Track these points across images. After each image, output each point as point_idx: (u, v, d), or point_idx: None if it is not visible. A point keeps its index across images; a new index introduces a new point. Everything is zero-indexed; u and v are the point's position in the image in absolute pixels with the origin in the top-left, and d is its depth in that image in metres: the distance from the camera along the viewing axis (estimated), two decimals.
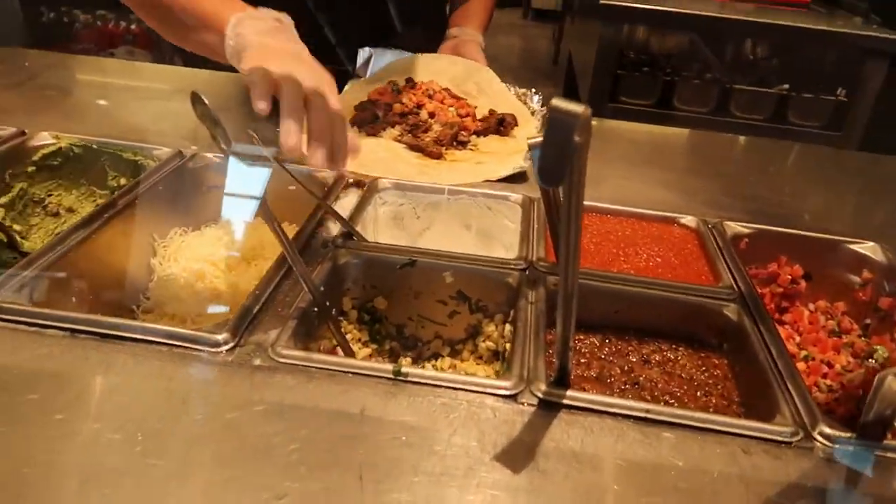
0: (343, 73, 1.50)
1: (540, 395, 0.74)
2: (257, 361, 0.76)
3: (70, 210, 1.25)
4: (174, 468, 0.62)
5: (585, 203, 1.04)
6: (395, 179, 1.20)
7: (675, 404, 0.84)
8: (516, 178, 1.23)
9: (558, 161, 0.55)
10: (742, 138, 1.75)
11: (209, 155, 1.23)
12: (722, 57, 3.12)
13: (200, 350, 0.77)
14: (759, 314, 0.91)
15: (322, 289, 0.90)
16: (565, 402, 0.73)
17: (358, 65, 1.50)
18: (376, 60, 1.54)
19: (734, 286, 0.96)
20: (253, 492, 0.60)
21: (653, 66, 3.11)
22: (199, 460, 0.63)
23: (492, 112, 1.33)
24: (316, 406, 0.71)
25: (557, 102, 0.53)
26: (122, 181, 1.25)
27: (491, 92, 1.48)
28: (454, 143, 1.13)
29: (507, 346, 0.93)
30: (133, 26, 3.23)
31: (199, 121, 0.70)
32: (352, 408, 0.71)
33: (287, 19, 1.09)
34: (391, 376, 0.75)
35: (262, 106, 0.90)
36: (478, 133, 1.21)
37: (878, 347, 0.99)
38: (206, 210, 1.22)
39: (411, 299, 1.00)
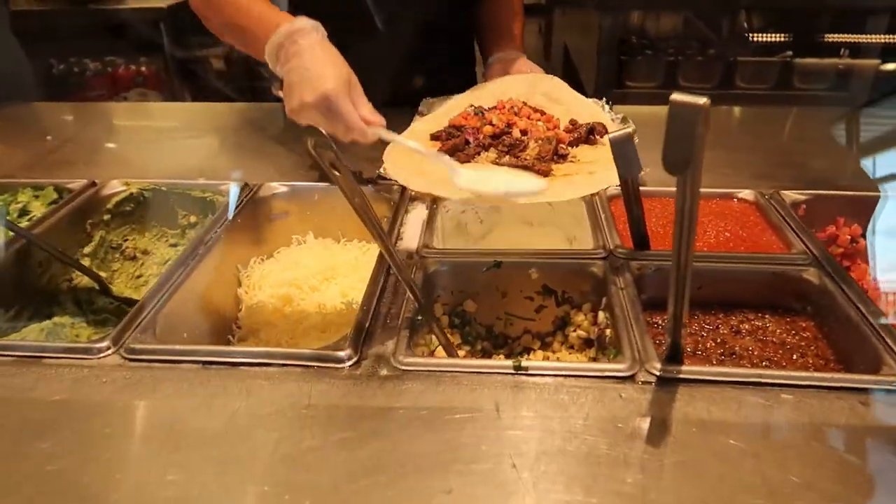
0: None
1: (657, 372, 0.78)
2: (384, 371, 0.80)
3: (146, 252, 1.29)
4: (340, 477, 0.66)
5: (647, 188, 1.08)
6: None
7: (775, 368, 0.88)
8: None
9: (684, 151, 0.59)
10: (763, 110, 1.80)
11: (273, 184, 1.27)
12: (720, 31, 3.17)
13: (327, 367, 0.81)
14: (840, 274, 0.95)
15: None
16: (682, 376, 0.77)
17: (420, 108, 1.50)
18: (435, 106, 1.50)
19: (808, 251, 1.01)
20: (423, 490, 0.64)
21: (654, 48, 3.16)
22: (363, 466, 0.67)
23: (573, 122, 1.29)
24: (452, 407, 0.75)
25: (678, 96, 0.58)
26: (193, 219, 1.30)
27: (563, 99, 1.43)
28: (555, 158, 1.14)
29: (600, 332, 0.97)
30: (143, 68, 3.29)
31: (312, 151, 0.74)
32: (486, 404, 0.75)
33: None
34: (512, 371, 0.79)
35: None
36: (570, 143, 1.19)
37: None
38: (276, 237, 1.27)
39: (499, 299, 1.04)
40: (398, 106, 1.41)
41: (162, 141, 1.62)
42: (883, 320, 0.84)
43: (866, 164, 1.41)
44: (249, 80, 4.14)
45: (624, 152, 0.91)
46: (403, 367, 0.81)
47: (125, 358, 0.83)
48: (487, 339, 1.06)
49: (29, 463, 0.69)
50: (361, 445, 0.70)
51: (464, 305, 1.04)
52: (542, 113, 1.29)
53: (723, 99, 3.07)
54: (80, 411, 0.76)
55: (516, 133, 1.19)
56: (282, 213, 1.27)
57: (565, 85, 1.44)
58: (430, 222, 1.14)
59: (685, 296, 0.73)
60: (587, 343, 1.01)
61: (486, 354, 1.05)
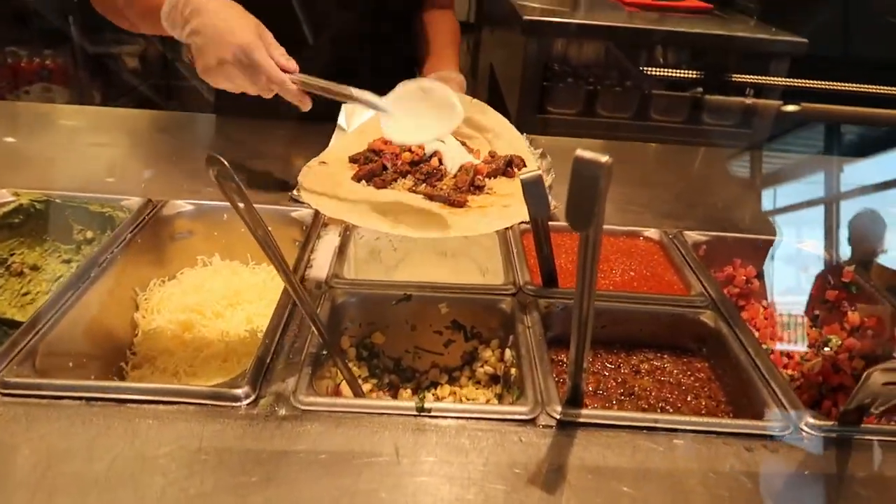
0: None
1: (557, 416, 0.79)
2: (283, 412, 0.78)
3: (35, 268, 1.20)
4: None
5: (558, 224, 1.10)
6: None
7: (671, 409, 0.91)
8: None
9: (586, 208, 0.60)
10: (673, 147, 1.88)
11: (180, 202, 1.22)
12: (637, 64, 3.30)
13: (223, 405, 0.78)
14: (732, 318, 1.00)
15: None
16: (581, 420, 0.79)
17: (340, 120, 1.46)
18: (359, 114, 1.47)
19: (705, 293, 1.05)
20: None
21: (576, 76, 3.25)
22: None
23: (493, 154, 1.29)
24: (351, 451, 0.73)
25: (582, 153, 0.59)
26: (90, 234, 1.22)
27: (488, 126, 1.43)
28: (471, 189, 1.13)
29: (505, 369, 0.98)
30: (48, 62, 3.10)
31: (214, 180, 0.71)
32: (386, 448, 0.73)
33: None
34: (415, 413, 0.78)
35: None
36: (488, 175, 1.20)
37: (832, 337, 1.10)
38: (179, 257, 1.21)
39: (408, 332, 1.03)
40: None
41: (63, 147, 1.52)
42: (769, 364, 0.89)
43: (764, 205, 1.50)
44: (165, 80, 3.99)
45: (534, 193, 0.92)
46: (303, 407, 0.78)
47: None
48: (395, 373, 1.05)
49: None
50: (254, 492, 0.67)
51: (372, 338, 1.03)
52: (463, 143, 1.30)
53: (637, 129, 3.20)
54: None
55: (435, 162, 1.19)
56: (185, 233, 1.22)
57: (491, 110, 1.46)
58: (342, 250, 1.12)
59: (586, 342, 0.74)
60: (493, 379, 1.02)
61: (393, 388, 1.04)
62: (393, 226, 1.01)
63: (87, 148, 1.53)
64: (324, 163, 1.22)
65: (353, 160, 1.24)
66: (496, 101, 4.41)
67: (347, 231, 1.18)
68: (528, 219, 1.16)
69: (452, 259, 1.25)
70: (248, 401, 0.79)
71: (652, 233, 1.24)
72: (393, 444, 0.74)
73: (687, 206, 1.39)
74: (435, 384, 1.05)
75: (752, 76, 3.15)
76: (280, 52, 1.12)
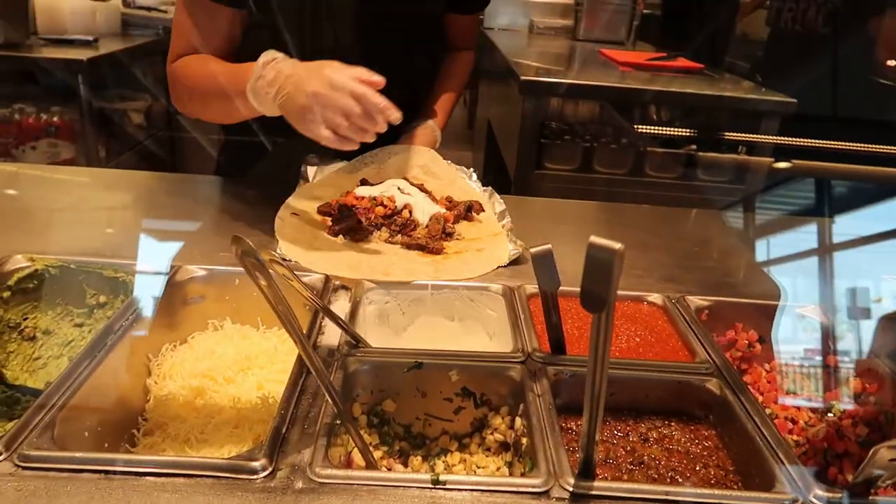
0: None
1: (570, 488, 0.80)
2: (299, 485, 0.79)
3: (46, 332, 1.22)
4: None
5: (563, 289, 1.13)
6: (372, 280, 1.25)
7: (680, 479, 0.92)
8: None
9: (600, 291, 0.63)
10: (672, 210, 1.92)
11: (192, 267, 1.24)
12: (631, 122, 3.39)
13: (240, 479, 0.79)
14: (737, 385, 1.01)
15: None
16: (594, 492, 0.80)
17: (303, 170, 1.51)
18: (320, 168, 1.54)
19: (710, 360, 1.07)
20: None
21: (572, 133, 3.33)
22: None
23: (450, 199, 1.38)
24: None
25: (596, 240, 0.62)
26: (102, 298, 1.24)
27: (439, 172, 1.53)
28: (442, 236, 1.19)
29: (516, 438, 0.99)
30: (55, 118, 3.16)
31: (239, 259, 0.74)
32: None
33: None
34: (430, 485, 0.79)
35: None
36: (454, 221, 1.27)
37: (834, 403, 1.12)
38: (191, 321, 1.23)
39: (418, 399, 1.04)
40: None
41: (72, 210, 1.55)
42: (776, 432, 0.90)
43: (762, 267, 1.53)
44: (169, 132, 4.07)
45: (545, 265, 0.95)
46: (320, 480, 0.79)
47: (18, 466, 0.78)
48: (405, 440, 1.06)
49: None
50: None
51: (383, 405, 1.04)
52: (426, 192, 1.36)
53: (633, 185, 3.26)
54: None
55: (406, 213, 1.24)
56: (197, 297, 1.24)
57: (440, 157, 1.53)
58: (352, 316, 1.14)
59: (598, 416, 0.76)
60: (503, 446, 1.03)
61: (404, 455, 1.05)
62: (385, 275, 1.06)
63: (98, 212, 1.56)
64: (296, 214, 1.27)
65: (322, 212, 1.29)
66: (493, 156, 4.50)
67: (357, 298, 1.20)
68: (504, 262, 1.21)
69: (460, 323, 1.27)
70: (264, 473, 0.80)
71: (655, 297, 1.26)
72: None
73: (686, 270, 1.42)
74: (445, 451, 1.05)
75: (743, 134, 3.24)
76: (362, 71, 1.17)
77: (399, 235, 1.16)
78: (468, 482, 0.80)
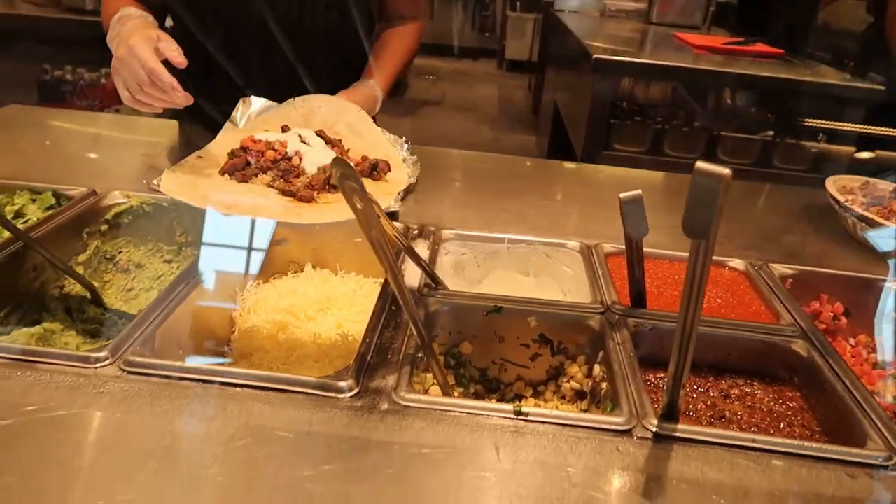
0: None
1: (654, 429, 0.79)
2: (385, 406, 0.81)
3: (139, 266, 1.28)
4: None
5: (645, 249, 1.12)
6: (456, 230, 1.26)
7: (765, 435, 0.90)
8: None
9: (704, 218, 0.62)
10: (751, 185, 1.86)
11: None
12: (705, 105, 3.30)
13: (329, 396, 0.81)
14: (825, 349, 0.99)
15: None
16: (677, 434, 0.79)
17: (234, 113, 1.48)
18: (251, 108, 1.50)
19: (795, 323, 1.04)
20: None
21: (643, 114, 3.27)
22: (364, 500, 0.67)
23: (364, 158, 1.34)
24: (453, 446, 0.75)
25: (703, 165, 0.61)
26: (190, 238, 1.29)
27: (364, 132, 1.47)
28: (327, 187, 1.19)
29: (594, 385, 0.99)
30: None
31: (338, 182, 0.76)
32: (486, 447, 0.75)
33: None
34: (513, 416, 0.80)
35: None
36: None
37: None
38: (274, 262, 1.27)
39: (495, 343, 1.05)
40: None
41: (163, 156, 1.61)
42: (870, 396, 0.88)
43: (849, 245, 1.47)
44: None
45: (633, 212, 0.94)
46: (404, 403, 0.81)
47: (123, 370, 0.82)
48: (480, 383, 1.07)
49: (19, 470, 0.67)
50: (363, 478, 0.70)
51: (460, 347, 1.05)
52: (334, 145, 1.34)
53: None
54: (75, 420, 0.74)
55: (295, 160, 1.24)
56: (282, 240, 1.27)
57: (369, 119, 1.49)
58: (431, 261, 1.16)
59: (688, 358, 0.75)
60: (579, 395, 1.03)
61: (479, 397, 1.06)
62: (227, 210, 1.08)
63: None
64: (200, 157, 1.29)
65: (231, 154, 1.31)
66: (560, 139, 4.44)
67: (436, 245, 1.22)
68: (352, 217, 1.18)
69: (535, 278, 1.27)
70: (351, 393, 0.82)
71: (737, 263, 1.24)
72: (493, 443, 0.76)
73: (769, 240, 1.38)
74: (520, 396, 1.06)
75: (824, 121, 3.12)
76: (168, 46, 1.22)
77: (281, 181, 1.18)
78: (550, 415, 0.81)
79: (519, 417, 0.80)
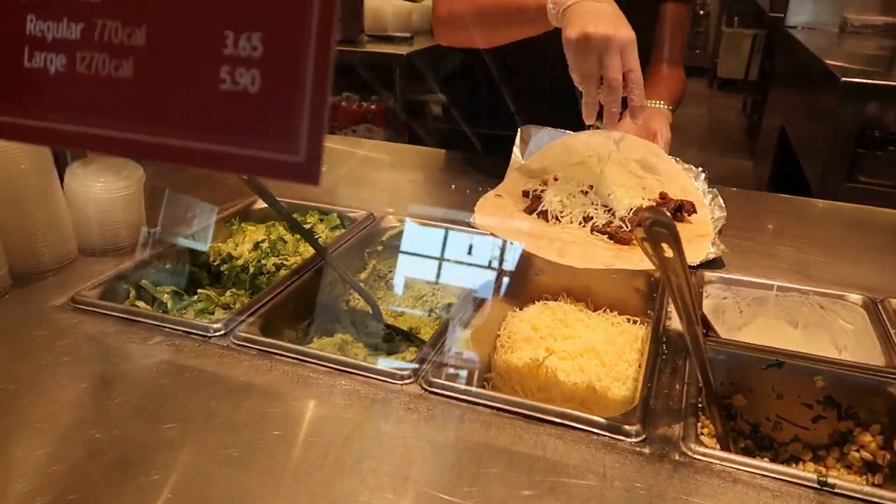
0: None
1: None
2: (675, 457, 0.80)
3: (407, 286, 1.39)
4: None
5: None
6: (718, 273, 1.22)
7: None
8: None
9: None
10: None
11: None
12: None
13: (616, 438, 0.82)
14: None
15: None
16: None
17: (516, 143, 1.47)
18: (533, 140, 1.47)
19: None
20: None
21: None
22: None
23: (664, 195, 1.25)
24: None
25: None
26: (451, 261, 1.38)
27: (658, 168, 1.36)
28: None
29: (891, 459, 0.91)
30: (373, 106, 3.58)
31: (644, 234, 0.77)
32: None
33: None
34: (817, 485, 0.76)
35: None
36: None
37: None
38: (530, 291, 1.31)
39: (773, 399, 1.00)
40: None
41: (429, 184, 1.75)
42: None
43: None
44: (460, 126, 4.37)
45: None
46: (695, 456, 0.80)
47: (425, 389, 0.90)
48: (751, 438, 1.03)
49: (319, 473, 0.76)
50: None
51: (732, 398, 1.02)
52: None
53: None
54: (374, 430, 0.83)
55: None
56: (540, 270, 1.31)
57: (662, 152, 1.37)
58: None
59: None
60: (869, 467, 0.95)
61: (749, 453, 1.01)
62: (559, 255, 1.08)
63: (433, 183, 1.73)
64: (499, 195, 1.28)
65: (525, 193, 1.29)
66: (786, 166, 4.13)
67: (699, 287, 1.19)
68: (694, 263, 1.09)
69: (804, 330, 1.19)
70: (637, 438, 0.82)
71: None
72: None
73: None
74: (796, 459, 1.00)
75: None
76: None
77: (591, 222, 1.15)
78: (861, 491, 0.75)
79: (825, 489, 0.76)
